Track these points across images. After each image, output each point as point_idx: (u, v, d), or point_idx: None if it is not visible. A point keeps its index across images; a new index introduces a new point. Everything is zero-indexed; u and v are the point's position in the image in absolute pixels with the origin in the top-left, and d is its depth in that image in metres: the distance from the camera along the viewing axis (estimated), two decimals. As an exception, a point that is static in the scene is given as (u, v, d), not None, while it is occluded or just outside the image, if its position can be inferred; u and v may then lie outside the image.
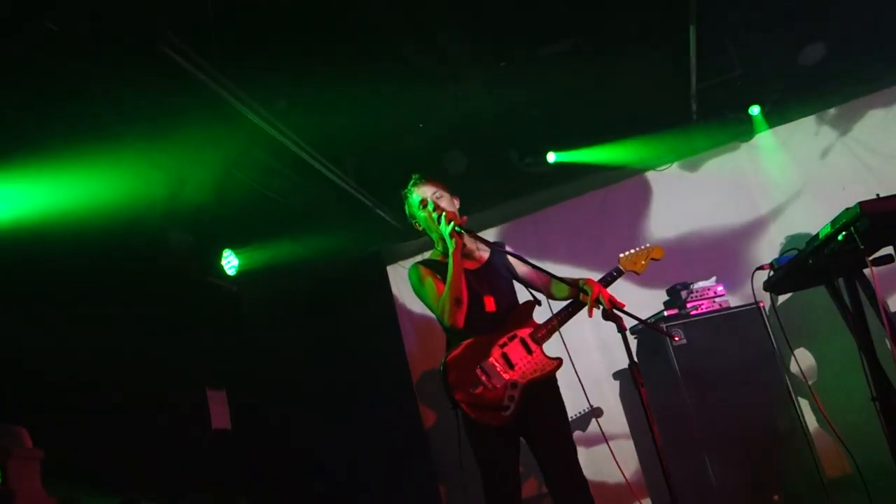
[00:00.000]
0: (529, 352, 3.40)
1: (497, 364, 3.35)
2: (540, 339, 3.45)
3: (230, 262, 6.23)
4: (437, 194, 3.65)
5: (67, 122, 4.18)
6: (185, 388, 5.77)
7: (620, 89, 6.11)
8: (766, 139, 6.55)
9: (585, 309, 3.38)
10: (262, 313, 6.62)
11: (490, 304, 3.48)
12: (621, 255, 3.72)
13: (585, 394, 3.48)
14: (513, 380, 3.32)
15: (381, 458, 6.45)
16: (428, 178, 3.73)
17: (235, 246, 6.28)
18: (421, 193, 3.66)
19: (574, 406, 6.13)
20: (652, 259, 3.71)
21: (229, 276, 6.27)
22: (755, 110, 6.22)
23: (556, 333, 3.47)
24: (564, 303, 3.61)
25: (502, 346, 3.40)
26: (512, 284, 3.68)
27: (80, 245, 4.66)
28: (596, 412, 6.09)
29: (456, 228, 3.42)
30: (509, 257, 3.70)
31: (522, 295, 3.67)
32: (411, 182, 3.75)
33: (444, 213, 3.48)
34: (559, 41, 5.55)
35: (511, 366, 3.36)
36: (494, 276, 3.61)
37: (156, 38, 3.62)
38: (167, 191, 5.19)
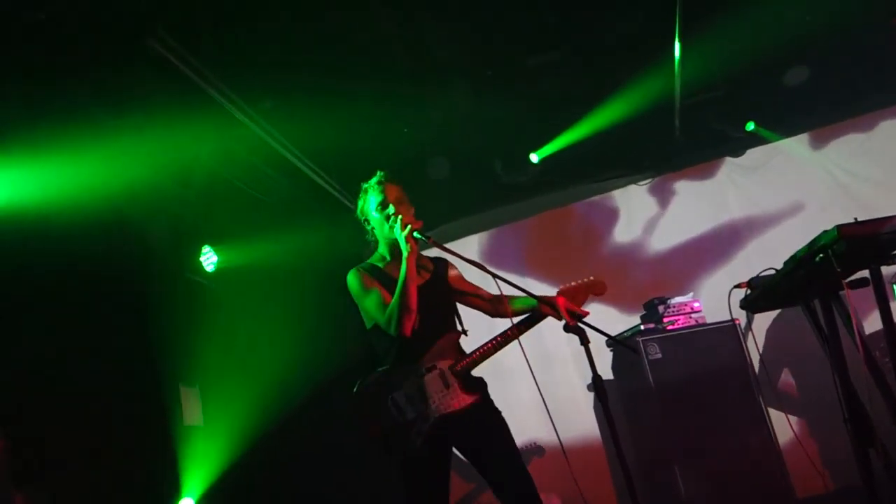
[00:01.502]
0: (447, 385, 3.29)
1: (412, 395, 3.27)
2: (459, 372, 3.32)
3: (209, 259, 6.18)
4: (399, 199, 3.53)
5: (53, 110, 4.13)
6: (158, 384, 5.72)
7: (605, 100, 6.15)
8: (748, 158, 6.63)
9: (511, 340, 3.30)
10: (240, 311, 6.57)
11: (425, 323, 3.34)
12: (562, 288, 3.46)
13: (549, 413, 3.32)
14: (424, 414, 3.23)
15: (352, 458, 6.40)
16: (392, 181, 3.60)
17: (215, 243, 6.23)
18: (383, 195, 3.53)
19: (539, 421, 6.17)
20: (592, 294, 3.48)
21: (207, 273, 6.22)
22: (751, 126, 6.25)
23: (520, 349, 3.25)
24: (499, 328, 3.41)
25: (419, 376, 3.30)
26: (451, 304, 3.57)
27: (55, 234, 4.61)
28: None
29: (414, 234, 3.29)
30: (451, 276, 3.60)
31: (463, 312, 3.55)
32: (375, 179, 3.60)
33: (401, 217, 3.36)
34: (547, 52, 5.58)
35: (425, 398, 3.25)
36: (434, 294, 3.46)
37: (145, 32, 3.60)
38: (149, 184, 5.14)
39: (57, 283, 4.71)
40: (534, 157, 6.43)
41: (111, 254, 5.21)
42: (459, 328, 3.50)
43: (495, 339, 3.35)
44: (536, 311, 3.38)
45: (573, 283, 3.47)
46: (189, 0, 4.07)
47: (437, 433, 3.24)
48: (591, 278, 3.48)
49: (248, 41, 4.63)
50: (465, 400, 3.29)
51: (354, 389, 3.31)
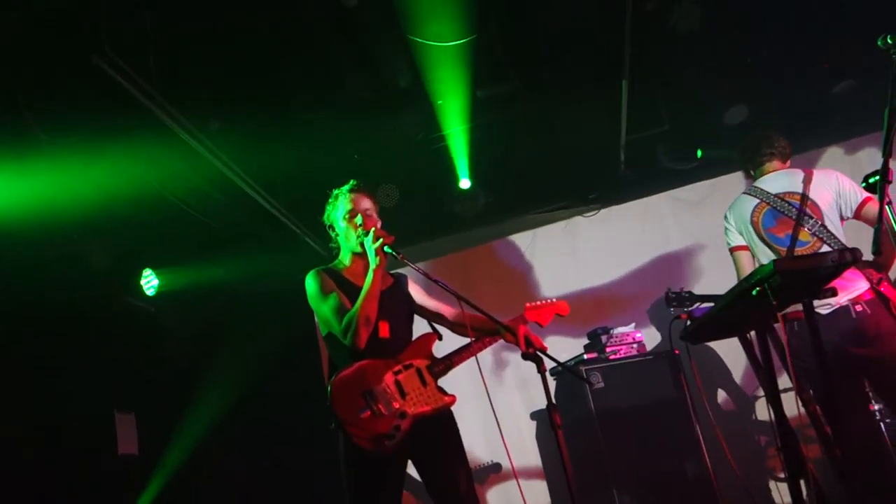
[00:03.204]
0: (424, 384, 3.29)
1: (388, 391, 3.21)
2: (437, 373, 3.34)
3: (150, 282, 6.06)
4: (369, 211, 3.51)
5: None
6: (91, 409, 5.56)
7: (555, 134, 6.26)
8: (690, 193, 6.80)
9: (476, 350, 3.38)
10: (180, 336, 6.44)
11: (384, 330, 3.33)
12: (528, 305, 3.65)
13: (502, 435, 3.36)
14: (402, 409, 3.19)
15: (295, 483, 6.29)
16: (364, 191, 3.57)
17: (156, 266, 6.11)
18: (354, 204, 3.49)
19: (489, 443, 6.19)
20: (557, 314, 3.66)
21: (147, 297, 6.10)
22: (699, 153, 6.40)
23: (477, 370, 3.34)
24: (465, 340, 3.48)
25: (396, 373, 3.26)
26: (410, 315, 3.57)
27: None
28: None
29: (385, 249, 3.27)
30: (412, 289, 3.62)
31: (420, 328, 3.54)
32: (346, 187, 3.56)
33: (374, 229, 3.33)
34: (499, 84, 5.66)
35: (403, 395, 3.22)
36: (395, 303, 3.47)
37: (91, 50, 3.54)
38: (89, 204, 5.03)
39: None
40: (464, 183, 6.42)
41: (47, 272, 5.08)
42: (434, 331, 3.50)
43: (467, 347, 3.41)
44: (499, 334, 3.40)
45: (539, 302, 3.64)
46: (137, 18, 4.03)
47: (411, 431, 3.18)
48: (555, 300, 3.68)
49: (196, 62, 4.59)
50: (441, 400, 3.30)
51: (329, 384, 3.21)
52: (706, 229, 6.59)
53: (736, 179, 6.71)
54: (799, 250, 3.78)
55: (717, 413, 5.92)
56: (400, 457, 3.24)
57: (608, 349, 5.57)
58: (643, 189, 6.86)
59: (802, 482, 3.13)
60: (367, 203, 3.53)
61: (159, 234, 5.85)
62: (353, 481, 3.20)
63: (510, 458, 3.58)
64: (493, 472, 6.17)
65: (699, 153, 6.37)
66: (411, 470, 3.35)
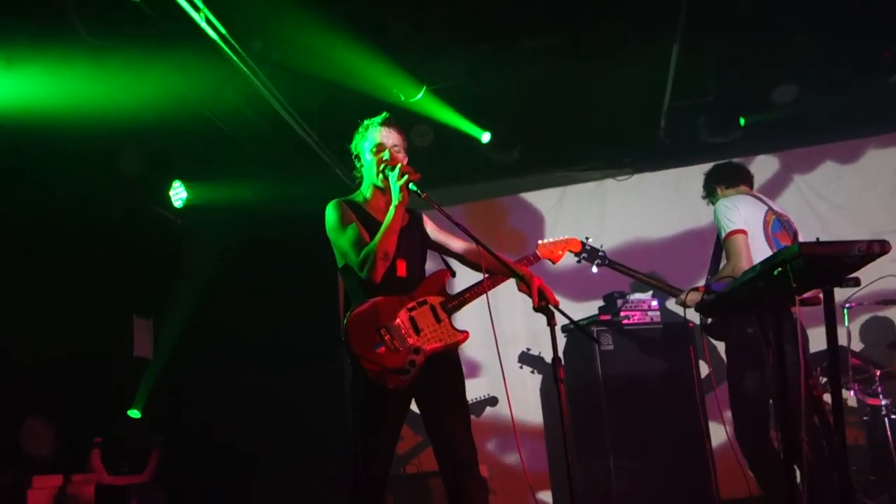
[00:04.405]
0: (438, 320, 3.29)
1: (403, 327, 3.22)
2: (451, 309, 3.34)
3: (178, 194, 6.13)
4: (398, 147, 3.46)
5: (38, 22, 4.04)
6: (112, 312, 5.70)
7: (596, 94, 6.18)
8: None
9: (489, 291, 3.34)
10: (203, 250, 6.53)
11: (402, 268, 3.33)
12: (540, 243, 3.72)
13: (506, 385, 3.35)
14: (416, 345, 3.20)
15: (302, 412, 6.41)
16: (395, 125, 3.50)
17: (186, 179, 6.17)
18: (382, 138, 3.43)
19: (491, 388, 6.28)
20: (568, 251, 3.77)
21: (175, 208, 6.17)
22: (742, 122, 6.27)
23: (488, 318, 3.21)
24: (477, 276, 3.44)
25: (411, 310, 3.27)
26: (425, 254, 3.56)
27: (22, 148, 4.54)
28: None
29: (410, 186, 3.21)
30: (427, 225, 3.60)
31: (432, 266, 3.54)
32: (378, 119, 3.48)
33: (399, 166, 3.26)
34: (545, 35, 5.58)
35: (417, 331, 3.24)
36: (413, 241, 3.46)
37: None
38: (125, 110, 5.06)
39: (13, 195, 4.64)
40: (485, 137, 6.39)
41: (77, 173, 5.14)
42: (447, 267, 3.51)
43: (479, 284, 3.39)
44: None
45: (551, 240, 3.74)
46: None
47: (424, 367, 3.20)
48: (567, 237, 3.79)
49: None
50: (454, 336, 3.31)
51: (344, 319, 3.23)
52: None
53: (771, 161, 6.61)
54: None
55: (722, 389, 5.92)
56: (406, 393, 3.28)
57: (622, 313, 5.57)
58: (679, 159, 6.77)
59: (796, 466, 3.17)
60: (396, 138, 3.47)
61: (192, 148, 5.90)
62: (360, 413, 3.24)
63: (511, 411, 3.59)
64: (491, 420, 6.28)
65: (742, 121, 6.24)
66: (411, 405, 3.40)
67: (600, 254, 4.56)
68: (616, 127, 6.56)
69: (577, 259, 4.46)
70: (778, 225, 4.22)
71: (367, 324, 3.21)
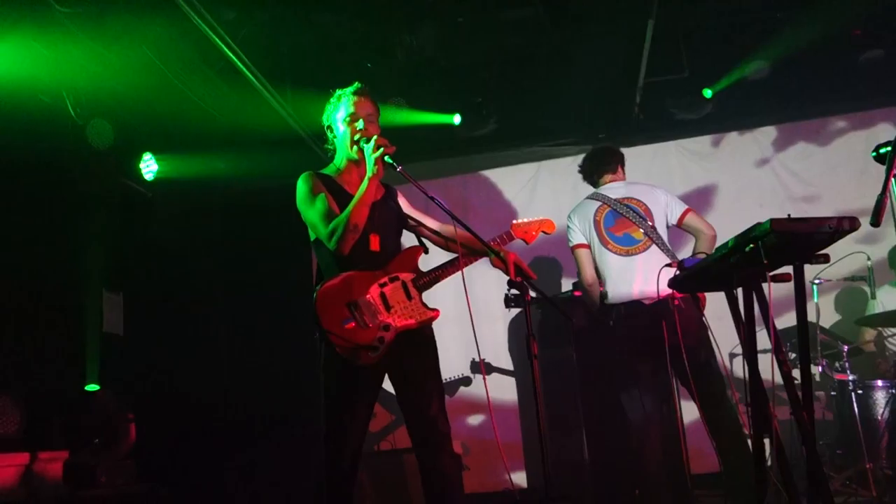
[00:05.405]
0: (409, 297, 3.26)
1: (373, 303, 3.18)
2: (422, 286, 3.30)
3: (149, 167, 6.03)
4: (372, 117, 3.38)
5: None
6: (82, 287, 5.60)
7: (573, 67, 6.16)
8: (698, 144, 6.74)
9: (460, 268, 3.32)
10: (174, 224, 6.44)
11: (375, 243, 3.28)
12: (514, 223, 3.63)
13: (482, 363, 3.39)
14: (386, 322, 3.17)
15: (276, 386, 6.38)
16: (368, 96, 3.42)
17: (157, 151, 6.07)
18: (356, 108, 3.35)
19: (465, 365, 6.31)
20: (543, 232, 3.64)
21: (146, 181, 6.08)
22: (708, 93, 6.26)
23: (463, 292, 3.21)
24: (450, 255, 3.43)
25: (382, 285, 3.23)
26: (399, 229, 3.51)
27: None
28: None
29: (385, 159, 3.17)
30: (400, 200, 3.54)
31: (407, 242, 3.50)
32: (351, 89, 3.40)
33: (375, 138, 3.20)
34: (521, 7, 5.54)
35: (388, 307, 3.20)
36: (386, 215, 3.41)
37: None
38: (96, 80, 4.96)
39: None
40: (456, 119, 6.44)
41: (46, 146, 5.03)
42: (420, 244, 3.45)
43: (453, 262, 3.35)
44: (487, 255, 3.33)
45: (526, 220, 3.64)
46: None
47: (393, 344, 3.17)
48: (542, 218, 3.68)
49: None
50: (425, 314, 3.28)
51: (314, 294, 3.19)
52: (711, 183, 6.56)
53: (745, 138, 6.65)
54: (631, 248, 4.37)
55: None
56: (378, 369, 3.25)
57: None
58: (653, 135, 6.78)
59: (767, 440, 3.21)
60: (369, 108, 3.40)
61: (163, 120, 5.79)
62: (331, 389, 3.21)
63: (486, 388, 3.57)
64: (467, 396, 6.31)
65: (706, 92, 6.24)
66: (385, 383, 3.38)
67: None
68: (592, 102, 6.56)
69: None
70: (611, 217, 4.46)
71: (337, 299, 3.17)
